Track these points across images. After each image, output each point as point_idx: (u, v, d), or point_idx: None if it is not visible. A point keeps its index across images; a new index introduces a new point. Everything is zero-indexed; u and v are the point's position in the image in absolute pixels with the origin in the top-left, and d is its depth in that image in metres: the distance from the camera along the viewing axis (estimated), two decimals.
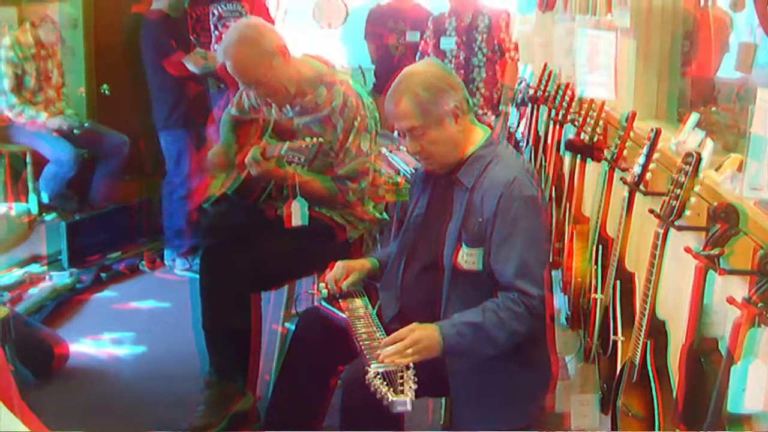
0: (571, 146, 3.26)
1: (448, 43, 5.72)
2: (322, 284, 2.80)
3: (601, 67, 3.29)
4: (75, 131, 5.40)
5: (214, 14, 5.06)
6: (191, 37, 5.15)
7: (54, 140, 5.35)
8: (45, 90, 5.48)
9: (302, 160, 3.06)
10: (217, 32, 5.04)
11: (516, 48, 5.74)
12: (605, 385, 2.54)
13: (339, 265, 2.81)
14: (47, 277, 4.92)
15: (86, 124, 5.53)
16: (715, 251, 1.77)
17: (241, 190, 3.40)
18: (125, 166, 5.64)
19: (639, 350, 2.04)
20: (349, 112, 3.28)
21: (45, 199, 5.49)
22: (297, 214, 3.24)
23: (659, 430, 1.97)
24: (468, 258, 2.51)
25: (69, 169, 5.33)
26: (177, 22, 5.16)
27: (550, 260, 3.15)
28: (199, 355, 3.53)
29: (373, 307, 2.69)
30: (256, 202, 3.40)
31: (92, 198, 5.61)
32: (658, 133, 2.30)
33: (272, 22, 5.25)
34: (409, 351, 2.32)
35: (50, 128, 5.35)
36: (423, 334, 2.37)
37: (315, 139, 3.09)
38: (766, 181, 1.88)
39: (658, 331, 2.06)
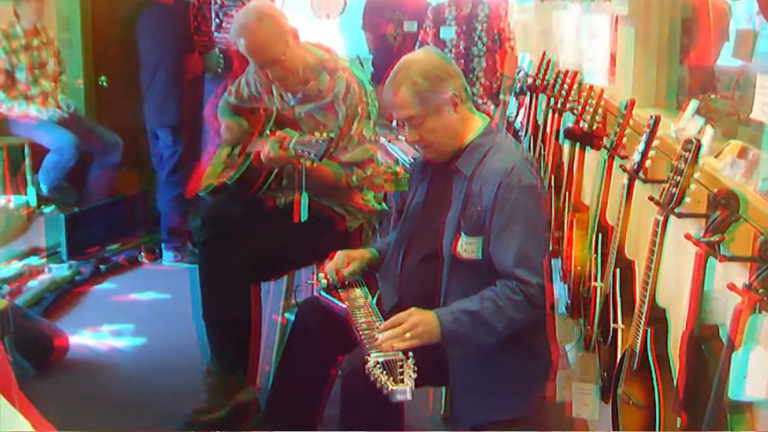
0: (570, 134, 3.25)
1: (448, 33, 5.70)
2: (322, 274, 2.79)
3: (597, 53, 3.28)
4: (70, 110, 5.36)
5: (216, 2, 5.07)
6: (192, 24, 5.14)
7: (53, 129, 5.30)
8: (40, 81, 5.43)
9: (311, 154, 3.03)
10: (218, 20, 5.04)
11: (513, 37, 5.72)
12: (606, 374, 2.54)
13: (339, 254, 2.81)
14: (46, 269, 4.92)
15: (73, 107, 5.48)
16: (716, 238, 1.76)
17: (241, 181, 3.39)
18: (121, 162, 5.61)
19: (639, 338, 2.04)
20: (352, 99, 3.26)
21: (44, 191, 5.47)
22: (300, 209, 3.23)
23: (660, 418, 1.97)
24: (467, 247, 2.51)
25: (70, 157, 5.28)
26: (187, 6, 5.14)
27: (550, 249, 3.15)
28: (199, 346, 3.53)
29: (373, 297, 2.69)
30: (256, 193, 3.38)
31: (90, 190, 5.59)
32: (657, 120, 2.29)
33: None
34: (408, 335, 2.33)
35: (44, 119, 5.32)
36: (421, 319, 2.37)
37: (325, 134, 3.06)
38: None
39: (658, 318, 2.06)
